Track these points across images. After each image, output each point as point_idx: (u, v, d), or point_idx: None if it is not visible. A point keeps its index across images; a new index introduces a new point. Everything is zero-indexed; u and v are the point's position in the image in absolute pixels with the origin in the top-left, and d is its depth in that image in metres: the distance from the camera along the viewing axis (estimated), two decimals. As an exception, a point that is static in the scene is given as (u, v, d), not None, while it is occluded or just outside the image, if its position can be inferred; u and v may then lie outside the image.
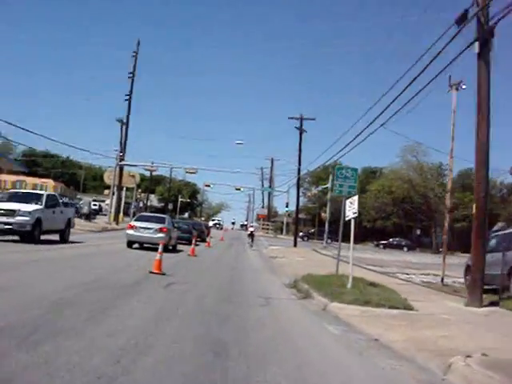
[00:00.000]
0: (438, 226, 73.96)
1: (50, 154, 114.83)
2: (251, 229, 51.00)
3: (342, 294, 13.44)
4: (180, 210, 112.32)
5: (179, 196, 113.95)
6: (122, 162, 56.97)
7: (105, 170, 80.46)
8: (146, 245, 26.62)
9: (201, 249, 34.92)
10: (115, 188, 57.00)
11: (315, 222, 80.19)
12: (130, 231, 25.80)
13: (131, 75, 70.28)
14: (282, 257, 34.18)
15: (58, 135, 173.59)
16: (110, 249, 25.13)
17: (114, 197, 57.06)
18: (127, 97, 71.15)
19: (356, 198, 16.29)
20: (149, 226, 25.58)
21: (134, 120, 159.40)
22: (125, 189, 77.23)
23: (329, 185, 54.28)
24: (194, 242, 28.10)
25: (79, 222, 49.64)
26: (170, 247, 28.16)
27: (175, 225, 41.50)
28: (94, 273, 13.93)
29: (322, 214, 57.42)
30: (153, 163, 57.31)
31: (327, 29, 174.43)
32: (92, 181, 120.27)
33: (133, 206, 71.35)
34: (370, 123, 28.79)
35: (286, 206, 75.25)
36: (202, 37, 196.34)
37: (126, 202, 74.28)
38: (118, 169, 59.26)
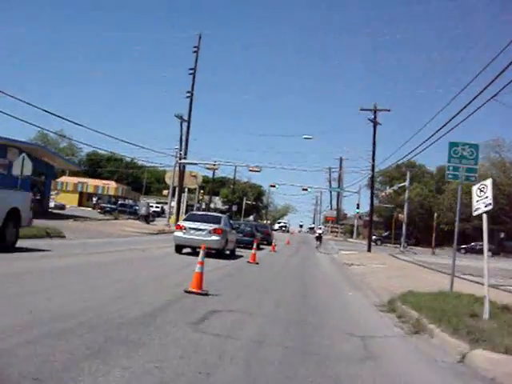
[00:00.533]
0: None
1: (114, 156, 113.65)
2: (319, 231, 49.08)
3: (484, 332, 8.26)
4: (245, 213, 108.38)
5: (244, 198, 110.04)
6: (182, 161, 53.03)
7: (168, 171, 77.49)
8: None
9: (264, 254, 30.21)
10: (176, 189, 53.05)
11: (389, 225, 73.99)
12: (178, 233, 21.21)
13: (192, 71, 67.10)
14: (359, 264, 28.94)
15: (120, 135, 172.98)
16: (155, 254, 20.65)
17: (175, 198, 53.13)
18: (188, 94, 68.11)
19: (489, 182, 11.00)
20: (201, 227, 20.91)
21: (196, 117, 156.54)
22: (187, 190, 73.81)
23: (406, 183, 48.43)
24: (255, 246, 23.14)
25: (134, 224, 46.37)
26: (228, 252, 23.52)
27: (235, 226, 37.22)
28: (97, 294, 9.27)
29: (400, 216, 51.44)
30: (215, 162, 53.07)
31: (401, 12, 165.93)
32: (156, 183, 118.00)
33: (195, 208, 67.56)
34: (453, 117, 23.73)
35: (357, 208, 69.50)
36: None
37: (188, 205, 70.64)
38: (178, 168, 55.50)
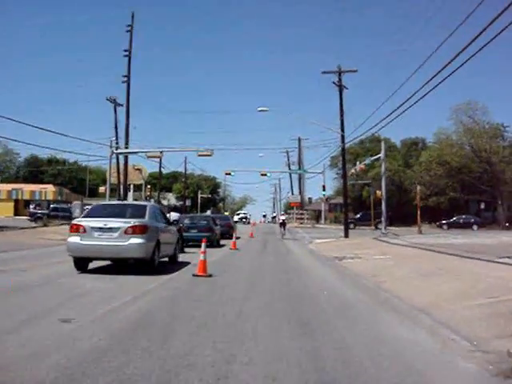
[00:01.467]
0: (503, 197, 60.06)
1: (56, 159, 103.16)
2: (282, 217, 46.98)
3: None
4: (201, 207, 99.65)
5: (199, 192, 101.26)
6: (119, 150, 44.12)
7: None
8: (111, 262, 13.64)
9: (223, 255, 22.13)
10: (109, 185, 44.20)
11: (359, 206, 66.73)
12: (74, 238, 12.63)
13: (127, 52, 58.49)
14: (353, 257, 20.95)
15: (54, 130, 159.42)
16: (33, 279, 11.98)
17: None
18: (125, 77, 59.50)
19: None
20: (110, 225, 12.39)
21: (137, 103, 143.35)
22: (132, 186, 64.78)
23: (381, 154, 40.79)
24: (203, 249, 14.26)
25: (64, 230, 37.52)
26: (167, 260, 15.21)
27: (184, 221, 28.86)
28: None
29: (378, 192, 43.81)
30: (159, 149, 44.14)
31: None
32: (102, 184, 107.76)
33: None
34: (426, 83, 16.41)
35: (323, 190, 61.79)
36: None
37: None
38: (123, 162, 46.75)
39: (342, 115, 39.73)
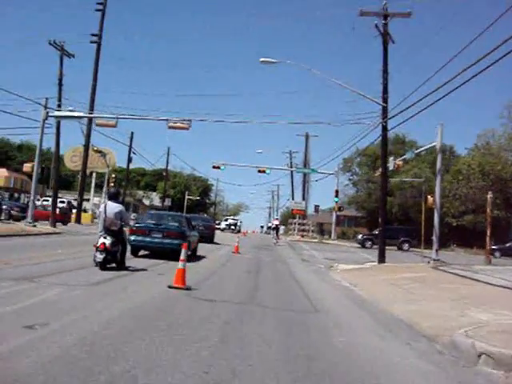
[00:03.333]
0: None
1: (27, 144, 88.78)
2: (276, 222, 45.78)
3: None
4: (188, 211, 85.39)
5: (186, 193, 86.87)
6: (56, 113, 29.80)
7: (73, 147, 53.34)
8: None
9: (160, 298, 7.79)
10: (39, 163, 29.77)
11: (375, 220, 52.44)
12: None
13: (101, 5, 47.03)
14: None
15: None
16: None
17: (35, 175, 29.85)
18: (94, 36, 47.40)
19: None
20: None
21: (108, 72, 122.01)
22: (94, 175, 50.41)
23: (437, 143, 26.84)
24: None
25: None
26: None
27: (143, 220, 19.76)
28: None
29: (429, 198, 29.54)
30: (114, 115, 29.65)
31: None
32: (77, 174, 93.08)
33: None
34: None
35: (336, 196, 47.37)
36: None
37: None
38: (57, 133, 32.60)
39: (385, 77, 25.54)
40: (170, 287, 10.22)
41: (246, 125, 30.37)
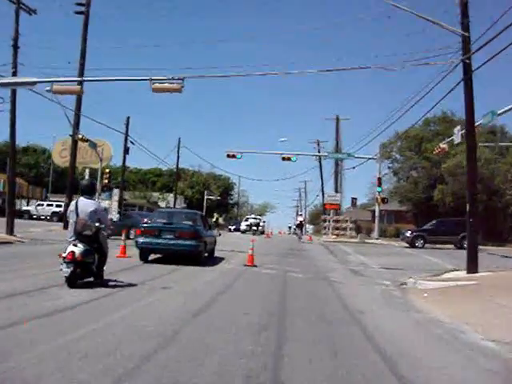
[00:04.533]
0: None
1: (33, 147, 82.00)
2: (300, 218, 46.87)
3: None
4: (207, 211, 77.28)
5: (205, 193, 78.73)
6: (5, 80, 21.82)
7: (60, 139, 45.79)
8: None
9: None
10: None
11: (429, 213, 43.51)
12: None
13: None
14: None
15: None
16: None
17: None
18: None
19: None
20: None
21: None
22: (87, 172, 42.47)
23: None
24: None
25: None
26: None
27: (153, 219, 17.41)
28: None
29: None
30: (78, 79, 21.36)
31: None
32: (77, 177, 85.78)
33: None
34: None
35: (379, 185, 38.50)
36: None
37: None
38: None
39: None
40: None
41: (267, 116, 21.92)
